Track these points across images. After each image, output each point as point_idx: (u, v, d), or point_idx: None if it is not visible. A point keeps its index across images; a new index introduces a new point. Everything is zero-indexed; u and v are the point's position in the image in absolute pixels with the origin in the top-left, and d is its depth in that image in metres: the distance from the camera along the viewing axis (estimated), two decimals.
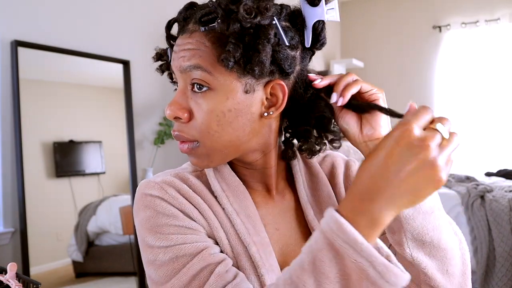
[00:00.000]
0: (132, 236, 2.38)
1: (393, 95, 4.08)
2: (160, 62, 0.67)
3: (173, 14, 0.63)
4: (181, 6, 0.61)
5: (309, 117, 0.63)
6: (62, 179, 2.14)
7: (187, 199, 0.59)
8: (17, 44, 1.91)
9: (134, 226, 2.34)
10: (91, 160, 2.28)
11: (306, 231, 0.67)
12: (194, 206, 0.59)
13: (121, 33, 2.41)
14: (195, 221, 0.58)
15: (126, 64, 2.40)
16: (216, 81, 0.55)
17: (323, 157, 0.76)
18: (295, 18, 0.58)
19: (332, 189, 0.72)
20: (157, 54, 0.65)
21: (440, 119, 0.45)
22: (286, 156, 0.68)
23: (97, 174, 2.29)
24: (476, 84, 3.85)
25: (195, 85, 0.56)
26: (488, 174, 3.27)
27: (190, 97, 0.57)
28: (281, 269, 0.61)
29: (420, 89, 4.12)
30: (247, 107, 0.57)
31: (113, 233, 2.33)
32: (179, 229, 0.56)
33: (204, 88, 0.55)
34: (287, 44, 0.56)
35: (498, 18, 3.77)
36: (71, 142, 2.18)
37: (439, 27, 4.04)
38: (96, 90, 2.37)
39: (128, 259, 2.38)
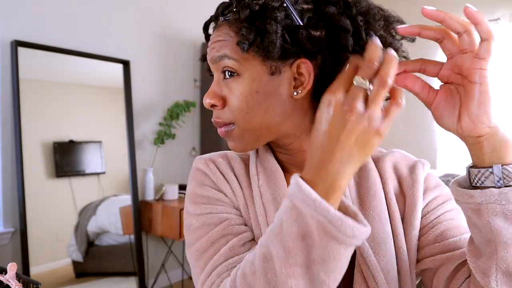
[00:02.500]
0: (132, 236, 2.38)
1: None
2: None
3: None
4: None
5: None
6: (62, 179, 2.14)
7: (223, 175, 0.66)
8: (17, 44, 1.91)
9: (134, 226, 2.34)
10: (91, 160, 2.28)
11: None
12: (228, 182, 0.66)
13: (121, 33, 2.41)
14: (225, 194, 0.65)
15: (126, 64, 2.41)
16: (242, 66, 0.58)
17: (383, 156, 0.69)
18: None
19: (383, 188, 0.66)
20: (202, 55, 0.69)
21: (361, 71, 0.46)
22: None
23: (97, 174, 2.29)
24: None
25: (226, 72, 0.60)
26: None
27: (223, 85, 0.61)
28: None
29: None
30: (275, 88, 0.59)
31: (113, 233, 2.33)
32: (210, 200, 0.64)
33: (234, 74, 0.59)
34: (300, 24, 0.56)
35: (498, 18, 3.77)
36: (71, 142, 2.18)
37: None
38: (96, 90, 2.37)
39: (128, 259, 2.38)
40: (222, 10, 0.60)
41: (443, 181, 2.82)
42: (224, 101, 0.61)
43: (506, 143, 0.48)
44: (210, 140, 2.79)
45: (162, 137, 2.54)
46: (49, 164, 2.08)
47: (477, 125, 0.48)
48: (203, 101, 0.63)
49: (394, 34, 0.61)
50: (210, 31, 0.67)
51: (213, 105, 0.62)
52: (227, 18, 0.59)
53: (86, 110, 2.28)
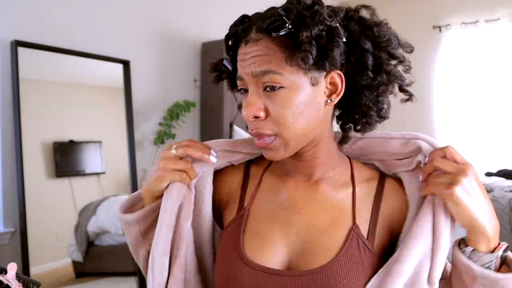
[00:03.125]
0: None
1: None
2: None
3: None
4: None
5: (367, 99, 0.68)
6: (62, 179, 2.14)
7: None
8: (17, 44, 1.91)
9: None
10: (91, 160, 2.28)
11: (337, 225, 0.69)
12: None
13: (121, 33, 2.41)
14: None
15: (126, 64, 2.40)
16: (287, 80, 0.61)
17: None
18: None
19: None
20: (212, 65, 0.74)
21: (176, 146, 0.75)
22: (344, 140, 0.75)
23: (97, 174, 2.29)
24: (476, 84, 3.84)
25: (268, 87, 0.63)
26: (488, 174, 3.26)
27: (263, 97, 0.64)
28: (294, 254, 0.67)
29: (420, 89, 4.11)
30: (313, 98, 0.64)
31: (113, 233, 2.33)
32: None
33: (276, 88, 0.62)
34: (345, 41, 0.64)
35: (498, 18, 3.77)
36: (71, 142, 2.18)
37: (439, 27, 4.04)
38: (96, 90, 2.37)
39: (128, 259, 2.38)
40: (267, 25, 0.61)
41: None
42: (266, 113, 0.64)
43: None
44: (210, 140, 2.79)
45: (162, 137, 2.54)
46: (49, 164, 2.08)
47: None
48: (243, 113, 0.65)
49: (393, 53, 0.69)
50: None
51: (255, 117, 0.64)
52: (280, 34, 0.60)
53: (86, 110, 2.28)
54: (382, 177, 0.74)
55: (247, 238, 0.69)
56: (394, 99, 0.75)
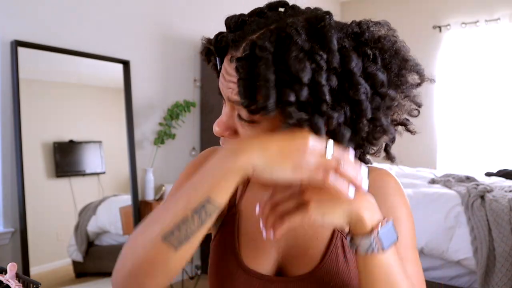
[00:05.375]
0: None
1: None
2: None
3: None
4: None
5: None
6: (62, 179, 2.14)
7: None
8: (17, 44, 1.91)
9: (134, 226, 2.34)
10: (91, 160, 2.28)
11: (322, 226, 0.69)
12: None
13: (121, 33, 2.41)
14: None
15: (126, 64, 2.41)
16: (262, 117, 0.53)
17: None
18: None
19: None
20: (203, 50, 0.65)
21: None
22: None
23: (97, 174, 2.29)
24: (476, 84, 3.84)
25: (241, 118, 0.56)
26: (488, 174, 3.26)
27: (236, 119, 0.57)
28: (284, 260, 0.68)
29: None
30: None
31: (113, 233, 2.33)
32: None
33: (251, 122, 0.55)
34: None
35: (498, 18, 3.77)
36: (71, 142, 2.18)
37: (439, 27, 4.04)
38: (96, 90, 2.37)
39: None
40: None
41: (442, 181, 2.82)
42: (235, 133, 0.58)
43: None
44: (210, 140, 2.79)
45: (162, 137, 2.54)
46: (49, 164, 2.08)
47: None
48: (213, 128, 0.59)
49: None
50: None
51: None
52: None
53: (86, 110, 2.28)
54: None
55: (243, 243, 0.70)
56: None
